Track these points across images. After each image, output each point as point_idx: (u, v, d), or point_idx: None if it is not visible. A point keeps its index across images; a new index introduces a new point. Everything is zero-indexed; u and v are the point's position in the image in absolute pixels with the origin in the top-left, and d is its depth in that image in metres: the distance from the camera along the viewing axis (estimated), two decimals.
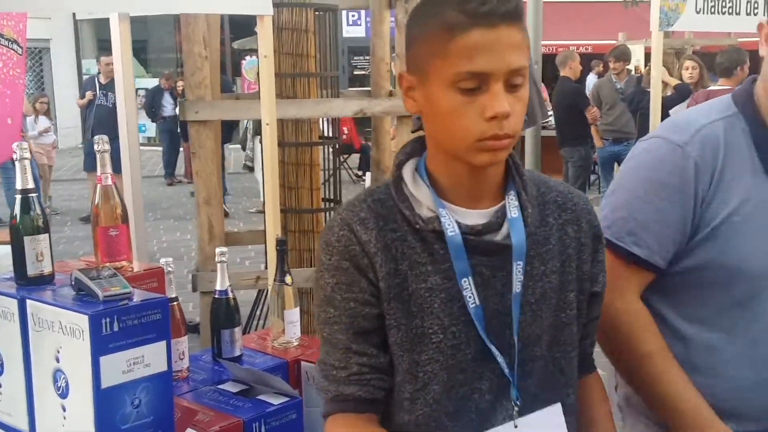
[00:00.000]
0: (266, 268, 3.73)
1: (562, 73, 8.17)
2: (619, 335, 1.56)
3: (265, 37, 2.51)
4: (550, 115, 8.46)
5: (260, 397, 1.62)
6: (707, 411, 1.52)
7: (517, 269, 1.23)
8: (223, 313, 1.84)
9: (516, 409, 1.23)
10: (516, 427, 1.24)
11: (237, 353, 1.83)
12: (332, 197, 4.10)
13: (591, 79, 11.26)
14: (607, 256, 1.39)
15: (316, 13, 3.76)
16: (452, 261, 1.21)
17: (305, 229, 3.79)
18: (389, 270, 1.22)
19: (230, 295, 1.85)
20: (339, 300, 1.23)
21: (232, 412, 1.55)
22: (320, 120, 4.20)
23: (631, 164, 1.61)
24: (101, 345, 1.29)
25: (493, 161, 1.20)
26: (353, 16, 18.07)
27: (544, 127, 7.93)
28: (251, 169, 10.72)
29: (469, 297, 1.21)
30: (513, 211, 1.25)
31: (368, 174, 10.74)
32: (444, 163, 1.24)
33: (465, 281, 1.21)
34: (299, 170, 3.76)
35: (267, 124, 2.55)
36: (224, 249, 1.87)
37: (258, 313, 4.42)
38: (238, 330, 1.85)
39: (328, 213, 3.97)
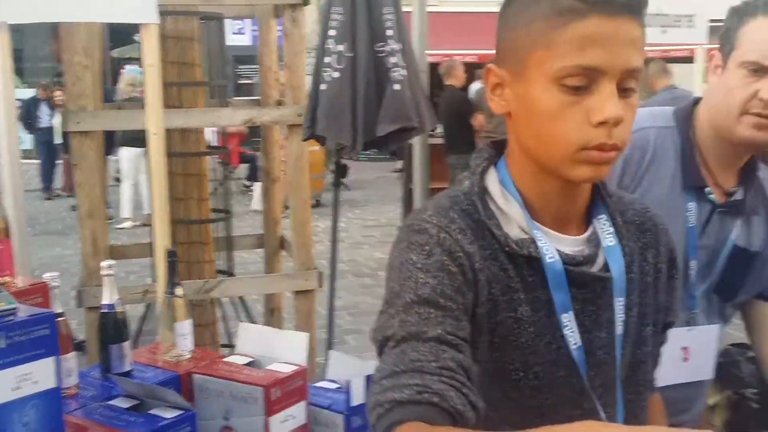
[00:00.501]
0: (154, 281, 3.65)
1: (446, 82, 8.36)
2: None
3: (150, 46, 2.46)
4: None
5: (152, 411, 1.59)
6: None
7: (618, 306, 1.09)
8: (112, 327, 1.79)
9: None
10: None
11: (127, 368, 1.79)
12: (221, 208, 4.06)
13: (476, 87, 11.55)
14: None
15: (201, 21, 3.72)
16: (551, 292, 1.05)
17: (194, 241, 3.73)
18: (488, 295, 1.04)
19: (118, 309, 1.81)
20: (444, 303, 0.99)
21: (124, 428, 1.51)
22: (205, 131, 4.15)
23: None
24: None
25: (595, 177, 1.02)
26: (238, 24, 17.88)
27: (431, 135, 8.09)
28: (118, 180, 10.37)
29: (570, 335, 1.05)
30: (608, 238, 1.11)
31: (257, 184, 10.66)
32: (533, 177, 1.07)
33: (566, 317, 1.05)
34: (187, 181, 3.70)
35: (154, 134, 2.50)
36: (111, 262, 1.82)
37: (145, 327, 4.31)
38: (127, 344, 1.81)
39: (216, 223, 3.92)
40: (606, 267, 1.09)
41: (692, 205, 1.61)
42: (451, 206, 1.08)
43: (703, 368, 1.71)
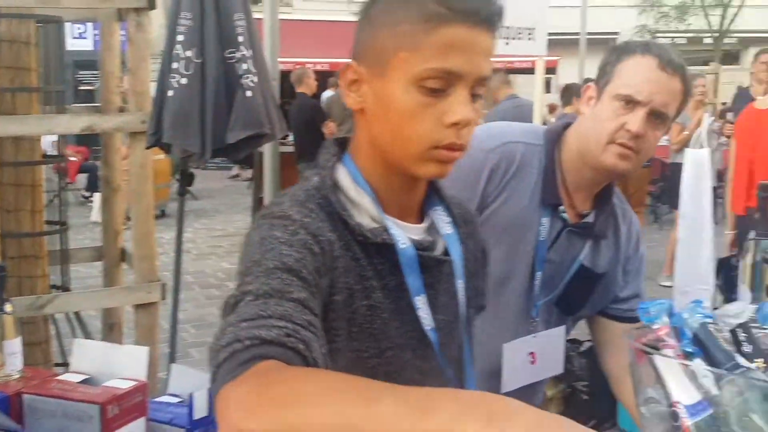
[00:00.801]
0: None
1: (298, 90, 8.36)
2: None
3: None
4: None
5: None
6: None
7: (459, 288, 1.18)
8: None
9: None
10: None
11: None
12: (57, 220, 3.84)
13: (327, 95, 11.63)
14: None
15: (38, 24, 3.52)
16: (401, 277, 1.10)
17: (26, 255, 3.51)
18: (344, 283, 1.07)
19: None
20: (306, 275, 0.99)
21: None
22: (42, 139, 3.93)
23: None
24: None
25: (440, 174, 1.09)
26: (79, 29, 17.11)
27: (281, 143, 8.05)
28: None
29: (424, 317, 1.11)
30: (447, 227, 1.19)
31: (96, 195, 10.22)
32: (381, 171, 1.12)
33: (419, 299, 1.11)
34: (19, 191, 3.48)
35: None
36: None
37: None
38: None
39: (51, 236, 3.71)
40: (446, 252, 1.17)
41: (546, 220, 1.72)
42: (306, 199, 1.10)
43: (552, 367, 1.83)
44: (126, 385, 1.72)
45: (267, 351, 0.86)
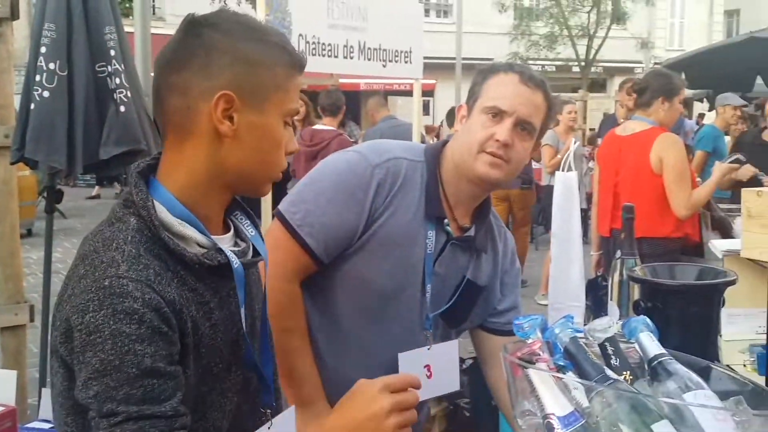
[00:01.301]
0: None
1: None
2: (271, 308, 1.66)
3: None
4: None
5: None
6: (318, 392, 1.77)
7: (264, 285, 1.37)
8: None
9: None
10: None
11: None
12: None
13: None
14: (281, 235, 1.69)
15: None
16: (236, 292, 1.24)
17: None
18: (193, 320, 1.17)
19: None
20: (164, 369, 1.10)
21: None
22: None
23: (329, 166, 1.82)
24: None
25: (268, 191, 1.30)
26: None
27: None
28: None
29: (244, 322, 1.26)
30: (250, 229, 1.32)
31: None
32: (203, 193, 1.22)
33: (242, 310, 1.25)
34: None
35: None
36: None
37: None
38: None
39: None
40: (256, 253, 1.31)
41: (431, 234, 1.78)
42: (138, 252, 1.14)
43: (448, 382, 1.87)
44: None
45: None
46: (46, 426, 1.83)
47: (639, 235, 3.84)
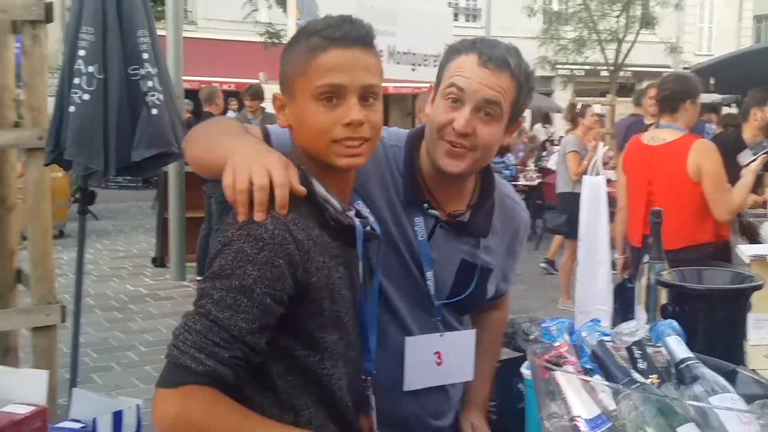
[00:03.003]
0: None
1: (206, 109, 8.25)
2: None
3: None
4: None
5: None
6: None
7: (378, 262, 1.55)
8: None
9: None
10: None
11: None
12: None
13: (229, 116, 11.56)
14: None
15: None
16: (357, 251, 1.44)
17: None
18: (319, 264, 1.36)
19: None
20: (257, 293, 1.29)
21: None
22: None
23: None
24: None
25: (352, 164, 1.43)
26: None
27: (186, 163, 7.92)
28: None
29: (360, 281, 1.46)
30: (367, 212, 1.57)
31: None
32: (318, 171, 1.43)
33: (360, 266, 1.46)
34: None
35: None
36: None
37: None
38: None
39: None
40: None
41: (419, 220, 1.74)
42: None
43: (461, 372, 1.84)
44: (24, 410, 1.67)
45: (189, 379, 1.27)
46: (77, 426, 1.86)
47: (681, 245, 3.84)
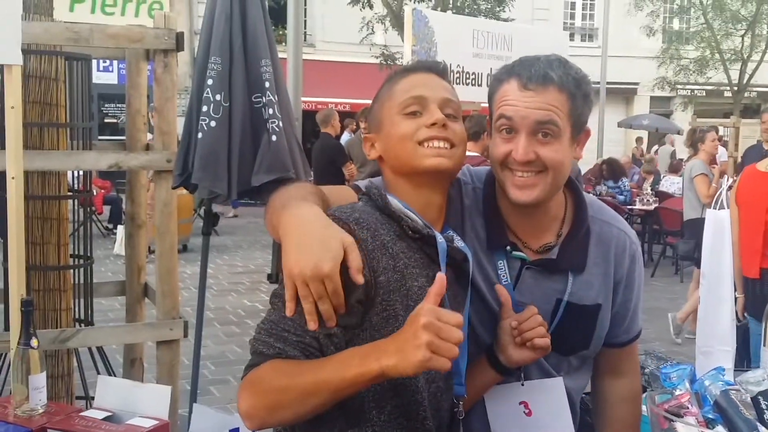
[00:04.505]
0: (6, 329, 3.44)
1: (323, 130, 8.45)
2: None
3: (13, 87, 2.38)
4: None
5: None
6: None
7: (469, 282, 1.59)
8: None
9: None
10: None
11: None
12: (81, 253, 3.89)
13: (345, 137, 11.74)
14: None
15: (67, 61, 3.60)
16: (439, 266, 1.48)
17: (51, 288, 3.55)
18: (387, 265, 1.43)
19: None
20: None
21: None
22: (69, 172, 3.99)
23: None
24: None
25: (439, 165, 1.51)
26: (104, 62, 17.38)
27: None
28: None
29: (446, 299, 1.43)
30: (459, 239, 1.59)
31: (120, 227, 10.30)
32: (406, 192, 1.55)
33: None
34: (45, 225, 3.53)
35: (12, 178, 2.39)
36: None
37: None
38: None
39: (76, 270, 3.75)
40: (465, 258, 1.58)
41: (502, 263, 1.67)
42: (351, 207, 1.51)
43: (556, 423, 1.71)
44: (148, 423, 1.74)
45: (263, 360, 1.40)
46: None
47: None
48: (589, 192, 1.92)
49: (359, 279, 1.34)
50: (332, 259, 1.32)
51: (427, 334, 1.24)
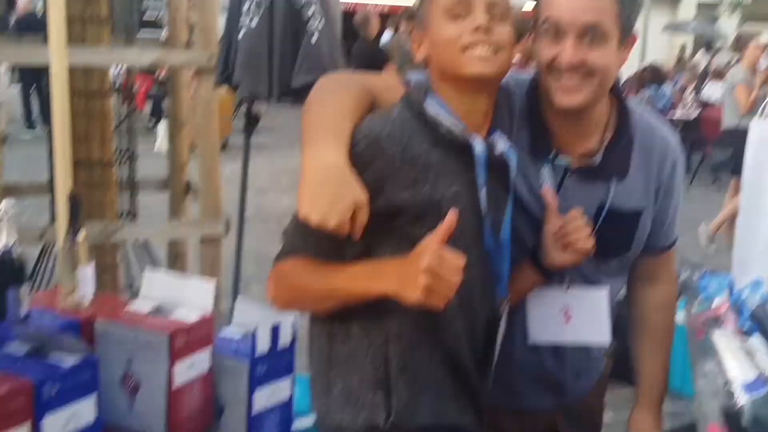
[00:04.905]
0: (52, 221, 3.54)
1: (361, 33, 8.30)
2: None
3: None
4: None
5: (51, 358, 1.57)
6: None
7: (511, 186, 1.56)
8: (8, 271, 1.75)
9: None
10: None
11: (24, 313, 1.75)
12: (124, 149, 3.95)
13: (385, 37, 11.52)
14: None
15: None
16: (475, 172, 1.48)
17: (95, 182, 3.62)
18: (416, 178, 1.44)
19: (15, 251, 1.76)
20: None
21: (21, 375, 1.48)
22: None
23: None
24: None
25: (483, 71, 1.45)
26: None
27: None
28: None
29: (484, 206, 1.49)
30: (504, 144, 1.54)
31: (161, 125, 10.37)
32: (450, 96, 1.51)
33: (482, 191, 1.48)
34: (90, 121, 3.57)
35: (57, 73, 2.41)
36: (10, 203, 1.77)
37: (43, 269, 4.19)
38: (24, 288, 1.77)
39: (120, 164, 3.82)
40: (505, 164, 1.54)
41: (544, 171, 1.65)
42: (385, 116, 1.49)
43: (592, 331, 1.72)
44: (193, 316, 1.78)
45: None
46: (238, 334, 1.97)
47: None
48: (631, 97, 1.86)
49: (357, 236, 1.40)
50: (339, 216, 1.37)
51: (425, 277, 1.29)
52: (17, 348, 1.60)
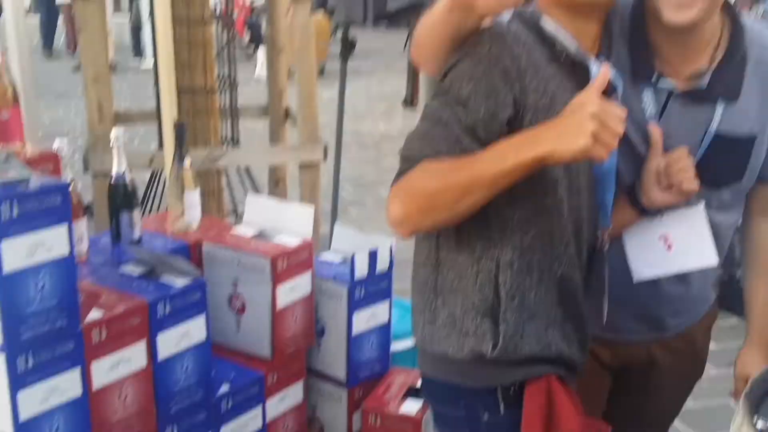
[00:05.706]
0: (159, 148, 3.66)
1: None
2: None
3: None
4: None
5: (163, 279, 1.64)
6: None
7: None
8: (122, 195, 1.82)
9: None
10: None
11: (137, 236, 1.84)
12: (225, 77, 4.01)
13: None
14: None
15: None
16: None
17: (199, 109, 3.72)
18: (538, 86, 1.37)
19: (127, 177, 1.83)
20: (472, 104, 1.34)
21: (136, 294, 1.57)
22: None
23: None
24: (1, 230, 1.28)
25: None
26: None
27: None
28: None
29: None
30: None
31: (260, 52, 10.47)
32: (561, 18, 1.43)
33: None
34: (192, 49, 3.64)
35: (159, 1, 2.45)
36: (121, 131, 1.83)
37: (153, 194, 4.37)
38: (136, 212, 1.84)
39: (222, 92, 3.89)
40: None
41: (647, 94, 1.57)
42: (510, 19, 1.42)
43: (697, 255, 1.64)
44: (294, 241, 1.83)
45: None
46: (337, 258, 2.01)
47: None
48: (745, 13, 1.71)
49: None
50: None
51: (593, 123, 1.22)
52: (132, 269, 1.69)
